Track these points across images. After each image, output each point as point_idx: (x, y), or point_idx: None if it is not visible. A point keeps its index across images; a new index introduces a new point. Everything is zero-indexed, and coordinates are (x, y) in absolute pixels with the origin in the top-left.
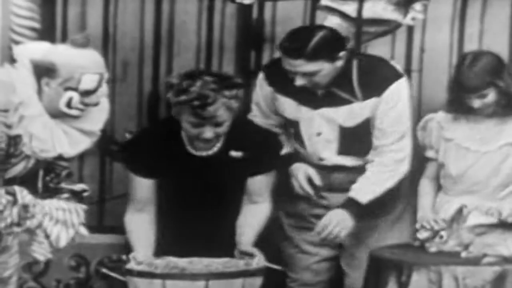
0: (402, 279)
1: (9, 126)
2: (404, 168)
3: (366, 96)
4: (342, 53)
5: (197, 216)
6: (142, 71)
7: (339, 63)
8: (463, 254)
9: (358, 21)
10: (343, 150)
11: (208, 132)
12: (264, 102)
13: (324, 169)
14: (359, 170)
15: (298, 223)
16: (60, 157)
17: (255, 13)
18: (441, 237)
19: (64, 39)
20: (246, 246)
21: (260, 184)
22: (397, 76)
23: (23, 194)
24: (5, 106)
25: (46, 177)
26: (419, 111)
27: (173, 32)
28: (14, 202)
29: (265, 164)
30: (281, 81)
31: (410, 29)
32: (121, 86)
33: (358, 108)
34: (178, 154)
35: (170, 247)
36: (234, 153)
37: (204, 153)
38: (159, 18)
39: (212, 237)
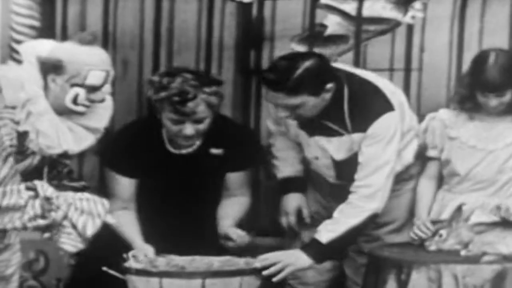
0: (401, 277)
1: (17, 123)
2: (373, 205)
3: (355, 129)
4: (329, 86)
5: (179, 214)
6: (142, 70)
7: (327, 96)
8: (463, 253)
9: (358, 20)
10: (341, 177)
11: (189, 129)
12: (274, 113)
13: (326, 182)
14: None
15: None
16: (64, 154)
17: (254, 11)
18: (441, 235)
19: (64, 37)
20: (226, 228)
21: (238, 180)
22: (385, 109)
23: (45, 188)
24: (12, 103)
25: (48, 174)
26: (418, 111)
27: (173, 31)
28: (36, 196)
29: (244, 160)
30: None
31: (410, 28)
32: (121, 84)
33: (347, 141)
34: (158, 153)
35: (154, 244)
36: (214, 151)
37: (183, 151)
38: (159, 17)
39: (195, 234)
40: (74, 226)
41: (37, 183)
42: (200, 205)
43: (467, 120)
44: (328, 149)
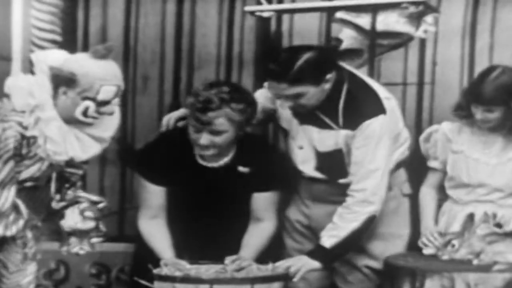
0: (416, 285)
1: (25, 127)
2: (370, 208)
3: (345, 126)
4: (329, 76)
5: (202, 226)
6: (162, 84)
7: (327, 86)
8: (475, 262)
9: (372, 34)
10: (320, 169)
11: (204, 139)
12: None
13: (305, 179)
14: (340, 185)
15: (287, 226)
16: (71, 162)
17: (273, 25)
18: (453, 245)
19: (85, 52)
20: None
21: (264, 202)
22: (377, 112)
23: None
24: (22, 108)
25: (62, 187)
26: (431, 123)
27: (193, 46)
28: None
29: (271, 181)
30: None
31: (423, 42)
32: (142, 99)
33: (335, 135)
34: (188, 164)
35: (177, 252)
36: (241, 169)
37: (209, 165)
38: (179, 32)
39: (215, 247)
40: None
41: (19, 203)
42: (224, 219)
43: (468, 134)
44: (314, 139)
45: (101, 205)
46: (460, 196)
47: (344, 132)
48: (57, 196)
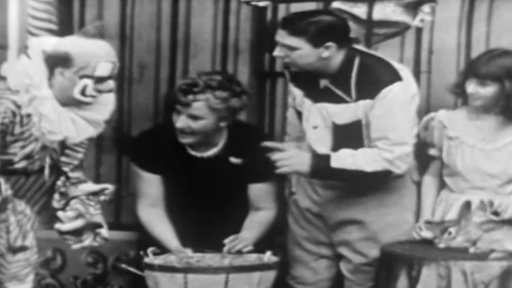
0: (412, 273)
1: (19, 106)
2: (386, 165)
3: (360, 97)
4: (330, 44)
5: (198, 214)
6: (158, 73)
7: (325, 53)
8: (471, 250)
9: (368, 23)
10: (336, 147)
11: (180, 121)
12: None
13: None
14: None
15: (293, 215)
16: (63, 142)
17: (269, 14)
18: (450, 233)
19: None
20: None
21: (261, 192)
22: (393, 79)
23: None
24: (16, 87)
25: (57, 181)
26: (427, 112)
27: (189, 34)
28: None
29: (265, 171)
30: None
31: (419, 31)
32: (138, 87)
33: (351, 108)
34: (178, 153)
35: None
36: (233, 160)
37: (199, 154)
38: (175, 20)
39: (208, 235)
40: (8, 232)
41: (1, 180)
42: (215, 209)
43: (464, 120)
44: (331, 112)
45: (107, 192)
46: (456, 183)
47: (362, 103)
48: (57, 196)
